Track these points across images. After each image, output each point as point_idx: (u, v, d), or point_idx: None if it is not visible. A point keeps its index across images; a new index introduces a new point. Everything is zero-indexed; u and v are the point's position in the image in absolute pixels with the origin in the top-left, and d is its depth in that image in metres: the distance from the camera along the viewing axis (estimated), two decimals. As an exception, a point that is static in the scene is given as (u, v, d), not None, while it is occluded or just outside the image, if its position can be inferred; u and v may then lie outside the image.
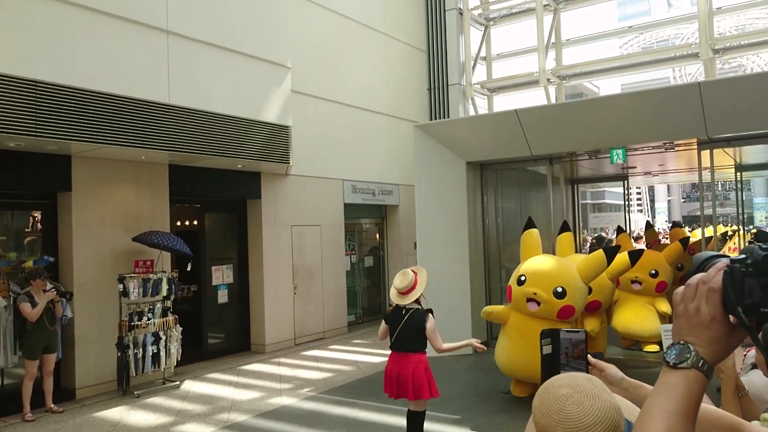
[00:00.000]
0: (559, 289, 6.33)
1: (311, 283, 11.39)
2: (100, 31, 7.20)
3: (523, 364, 6.49)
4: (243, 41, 9.06)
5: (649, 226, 12.72)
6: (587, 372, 1.47)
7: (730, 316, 0.94)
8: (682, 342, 0.97)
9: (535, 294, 6.35)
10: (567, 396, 1.18)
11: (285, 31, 9.96)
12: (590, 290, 6.82)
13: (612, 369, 1.53)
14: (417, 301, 5.04)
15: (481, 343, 4.94)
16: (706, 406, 1.38)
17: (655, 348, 8.81)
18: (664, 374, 0.98)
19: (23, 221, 8.18)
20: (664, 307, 8.77)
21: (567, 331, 1.50)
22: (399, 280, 5.03)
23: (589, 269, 6.56)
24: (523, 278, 6.56)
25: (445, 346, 4.90)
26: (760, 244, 0.95)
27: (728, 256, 1.21)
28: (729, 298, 0.93)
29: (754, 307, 0.92)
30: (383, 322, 5.21)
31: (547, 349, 1.51)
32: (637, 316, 8.67)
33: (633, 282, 8.83)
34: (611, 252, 6.52)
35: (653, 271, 8.80)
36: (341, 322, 12.07)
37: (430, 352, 5.07)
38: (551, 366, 1.49)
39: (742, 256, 0.95)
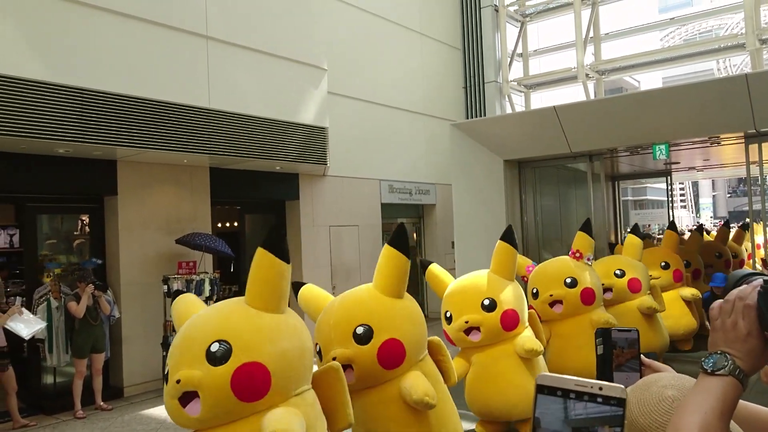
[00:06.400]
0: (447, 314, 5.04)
1: (349, 283, 11.42)
2: (143, 39, 7.38)
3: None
4: (280, 44, 9.17)
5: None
6: (640, 373, 1.44)
7: (766, 332, 1.00)
8: (719, 352, 1.03)
9: (466, 322, 4.87)
10: (674, 398, 1.12)
11: (320, 33, 10.05)
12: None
13: (668, 371, 1.49)
14: None
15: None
16: (756, 405, 1.34)
17: (688, 346, 8.47)
18: (701, 380, 1.03)
19: (72, 224, 8.45)
20: (688, 291, 8.21)
21: (619, 330, 1.48)
22: None
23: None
24: (449, 314, 5.07)
25: None
26: None
27: (764, 274, 1.21)
28: (763, 316, 0.99)
29: None
30: None
31: (600, 350, 1.48)
32: (667, 316, 8.19)
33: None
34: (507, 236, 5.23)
35: (663, 263, 8.45)
36: (380, 322, 12.07)
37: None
38: (603, 367, 1.47)
39: None
